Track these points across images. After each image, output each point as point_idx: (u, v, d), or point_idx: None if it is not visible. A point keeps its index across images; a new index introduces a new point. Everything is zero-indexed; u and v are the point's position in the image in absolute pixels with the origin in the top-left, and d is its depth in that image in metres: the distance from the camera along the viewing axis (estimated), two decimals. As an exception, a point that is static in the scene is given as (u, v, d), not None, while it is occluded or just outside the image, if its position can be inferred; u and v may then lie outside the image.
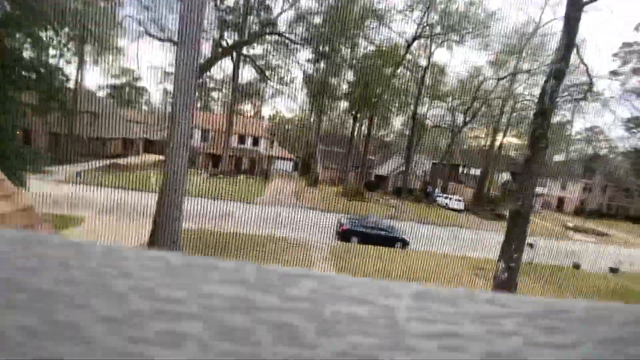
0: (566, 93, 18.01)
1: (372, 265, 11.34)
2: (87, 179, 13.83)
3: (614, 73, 21.49)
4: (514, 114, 24.84)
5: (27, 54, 8.93)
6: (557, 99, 9.58)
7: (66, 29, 9.44)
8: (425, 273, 11.39)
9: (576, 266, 14.29)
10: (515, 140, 26.62)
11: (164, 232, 7.26)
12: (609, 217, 27.71)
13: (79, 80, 15.79)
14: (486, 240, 15.54)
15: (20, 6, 7.89)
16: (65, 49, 10.56)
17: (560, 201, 29.45)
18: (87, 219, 9.62)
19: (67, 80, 12.41)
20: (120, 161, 18.18)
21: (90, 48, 13.59)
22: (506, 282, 7.47)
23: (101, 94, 20.70)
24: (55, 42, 9.96)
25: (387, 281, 0.32)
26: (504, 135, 25.60)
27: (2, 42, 7.88)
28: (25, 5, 7.90)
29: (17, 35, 8.14)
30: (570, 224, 23.93)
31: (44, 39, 9.15)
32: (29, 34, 8.28)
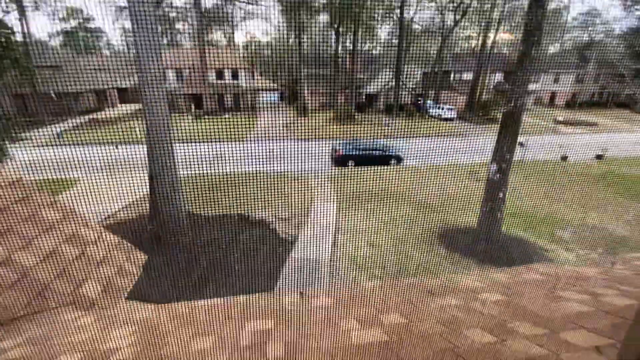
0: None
1: (371, 185, 11.74)
2: (69, 139, 13.34)
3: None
4: (507, 6, 22.86)
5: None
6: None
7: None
8: (421, 185, 11.88)
9: (564, 158, 14.86)
10: (507, 36, 25.06)
11: (162, 182, 7.29)
12: (600, 107, 27.77)
13: (25, 31, 14.02)
14: (478, 145, 15.83)
15: None
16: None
17: (553, 95, 29.13)
18: (80, 180, 9.58)
19: (13, 32, 10.98)
20: (98, 115, 17.31)
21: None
22: (498, 182, 7.85)
23: (54, 42, 18.58)
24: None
25: None
26: (496, 32, 23.99)
27: None
28: None
29: None
30: (561, 118, 24.09)
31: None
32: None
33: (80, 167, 10.31)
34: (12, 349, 1.49)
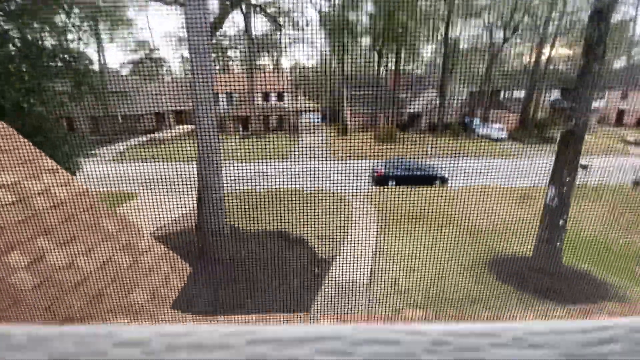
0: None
1: (412, 205, 11.32)
2: (131, 156, 14.74)
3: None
4: (564, 20, 21.51)
5: (48, 43, 9.12)
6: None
7: (76, 10, 9.40)
8: (466, 208, 11.20)
9: (637, 183, 13.16)
10: (565, 51, 23.43)
11: (208, 198, 7.70)
12: (680, 125, 24.50)
13: (101, 62, 16.08)
14: (533, 167, 14.65)
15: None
16: (81, 31, 10.64)
17: (620, 114, 26.36)
18: (138, 194, 10.45)
19: (91, 63, 12.66)
20: (156, 135, 18.99)
21: (103, 26, 13.55)
22: (557, 209, 7.13)
23: (124, 71, 21.05)
24: (70, 25, 10.01)
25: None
26: (552, 47, 22.56)
27: (22, 34, 8.08)
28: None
29: (35, 25, 8.27)
30: (631, 138, 21.58)
31: (59, 23, 9.22)
32: (44, 22, 8.37)
33: (138, 182, 11.29)
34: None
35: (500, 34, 21.20)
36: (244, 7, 17.06)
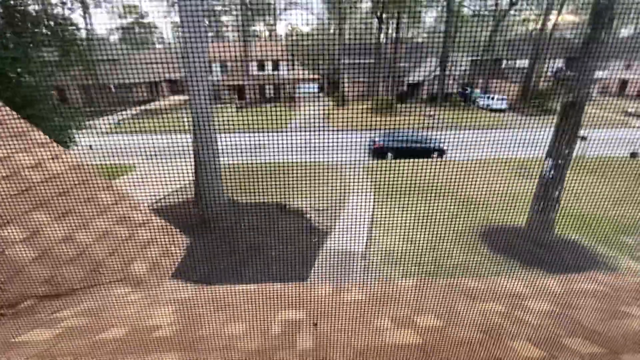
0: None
1: (409, 178, 11.38)
2: (126, 128, 14.50)
3: None
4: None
5: (31, 8, 8.63)
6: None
7: (57, -30, 8.82)
8: (463, 180, 11.26)
9: (633, 155, 13.21)
10: (572, 18, 22.53)
11: (205, 169, 7.67)
12: (683, 95, 24.15)
13: (88, 28, 15.34)
14: (532, 139, 14.58)
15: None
16: (65, -6, 10.05)
17: (623, 84, 25.86)
18: (136, 166, 10.40)
19: (78, 29, 12.07)
20: (150, 106, 18.57)
21: (88, -12, 12.78)
22: (553, 181, 7.19)
23: (113, 38, 20.17)
24: (52, -13, 9.44)
25: None
26: (559, 13, 21.66)
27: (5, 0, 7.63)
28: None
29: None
30: (632, 109, 21.35)
31: (41, -14, 8.69)
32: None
33: (134, 154, 11.18)
34: (69, 319, 1.65)
35: (507, -2, 20.26)
36: (236, -33, 16.05)
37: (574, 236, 7.77)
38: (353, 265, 6.74)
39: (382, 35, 23.33)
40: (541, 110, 20.25)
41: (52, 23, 8.92)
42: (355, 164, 12.45)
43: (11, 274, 1.84)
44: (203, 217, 8.21)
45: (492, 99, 21.55)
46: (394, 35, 23.16)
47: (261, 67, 23.65)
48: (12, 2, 7.96)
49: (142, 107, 18.28)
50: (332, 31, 22.75)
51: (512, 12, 21.34)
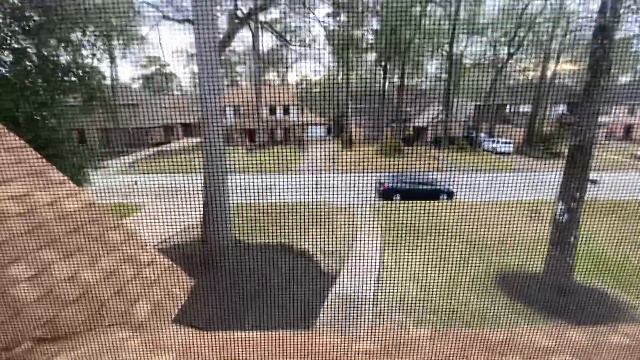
0: (630, 2, 15.09)
1: (418, 220, 11.20)
2: (139, 169, 14.94)
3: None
4: (568, 37, 21.65)
5: (63, 59, 9.42)
6: (621, 11, 8.12)
7: (91, 28, 9.73)
8: (475, 222, 11.03)
9: (650, 199, 12.88)
10: (570, 67, 23.49)
11: (213, 210, 7.72)
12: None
13: (114, 76, 16.56)
14: (541, 182, 14.46)
15: (47, 13, 8.22)
16: (95, 48, 11.00)
17: (629, 129, 26.10)
18: (145, 206, 10.54)
19: (104, 77, 13.04)
20: (164, 148, 19.28)
21: (116, 42, 14.03)
22: (567, 225, 6.98)
23: (135, 85, 21.63)
24: (85, 42, 10.37)
25: None
26: (557, 63, 22.65)
27: (39, 51, 8.38)
28: (52, 12, 8.21)
29: (51, 42, 8.57)
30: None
31: (75, 40, 9.55)
32: (60, 39, 8.68)
33: (145, 194, 11.38)
34: (66, 364, 1.58)
35: (505, 49, 21.39)
36: (252, 24, 17.54)
37: (595, 283, 7.35)
38: (362, 312, 6.41)
39: (387, 83, 24.52)
40: (548, 153, 20.34)
41: (80, 72, 9.65)
42: (363, 205, 12.39)
43: (11, 314, 1.80)
44: (209, 258, 8.09)
45: (498, 142, 21.84)
46: (399, 82, 24.31)
47: (272, 111, 24.76)
48: (45, 53, 8.72)
49: (157, 149, 19.00)
50: (340, 79, 24.05)
51: (511, 61, 22.42)
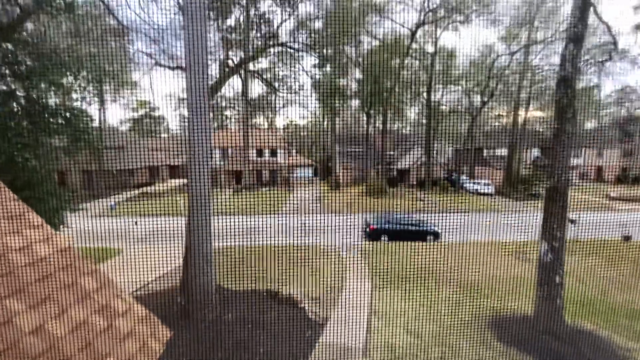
0: (588, 56, 16.90)
1: (407, 261, 11.07)
2: (120, 211, 14.46)
3: (638, 27, 19.95)
4: (534, 87, 23.67)
5: (52, 101, 9.48)
6: (580, 64, 9.04)
7: (84, 73, 9.96)
8: (463, 264, 10.98)
9: (626, 238, 13.28)
10: (539, 114, 25.34)
11: (196, 254, 7.42)
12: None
13: (102, 119, 16.66)
14: (523, 222, 14.79)
15: (40, 58, 8.43)
16: (86, 92, 11.17)
17: (600, 170, 27.64)
18: (123, 250, 10.04)
19: (92, 120, 13.10)
20: (148, 189, 18.93)
21: (108, 87, 14.34)
22: (552, 264, 7.04)
23: (123, 128, 21.74)
24: (76, 86, 10.55)
25: None
26: (527, 110, 24.44)
27: (28, 93, 8.44)
28: (46, 57, 8.43)
29: (42, 85, 8.68)
30: (614, 194, 22.35)
31: (65, 84, 9.70)
32: (51, 83, 8.81)
33: (125, 238, 10.92)
34: None
35: (478, 98, 23.02)
36: (242, 73, 18.43)
37: (587, 325, 7.24)
38: (352, 363, 6.02)
39: (370, 127, 25.60)
40: (528, 194, 21.08)
41: (68, 114, 9.64)
42: (350, 247, 12.21)
43: (-37, 374, 1.61)
44: (188, 307, 7.59)
45: (479, 184, 22.59)
46: (381, 127, 25.46)
47: (260, 153, 25.12)
48: (34, 96, 8.76)
49: (140, 190, 18.62)
50: (325, 124, 25.00)
51: (485, 109, 24.03)
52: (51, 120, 9.10)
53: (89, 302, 2.62)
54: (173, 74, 11.51)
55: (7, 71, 8.49)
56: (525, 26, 20.39)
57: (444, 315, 7.80)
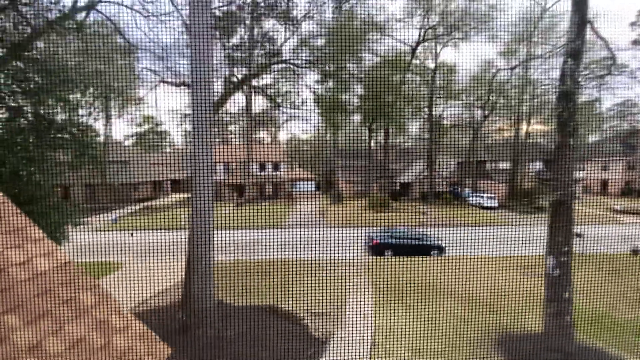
0: (587, 71, 17.06)
1: (411, 277, 10.89)
2: (123, 225, 14.46)
3: (636, 42, 20.24)
4: (535, 101, 23.83)
5: (59, 117, 9.64)
6: (579, 79, 9.13)
7: (91, 89, 10.17)
8: (469, 279, 10.77)
9: (635, 252, 13.04)
10: (541, 127, 25.40)
11: (197, 268, 7.34)
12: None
13: (107, 134, 16.90)
14: (529, 236, 14.56)
15: (49, 75, 8.63)
16: (92, 108, 11.37)
17: (604, 183, 27.44)
18: (124, 264, 9.97)
19: (97, 135, 13.28)
20: (151, 203, 18.97)
21: (114, 103, 14.61)
22: (560, 280, 6.88)
23: (128, 142, 22.00)
24: (83, 102, 10.75)
25: None
26: (528, 124, 24.52)
27: (36, 109, 8.59)
28: (54, 74, 8.62)
29: (50, 102, 8.85)
30: (619, 207, 22.10)
31: (73, 101, 9.88)
32: (59, 99, 8.98)
33: (126, 252, 10.86)
34: None
35: (480, 112, 23.17)
36: (245, 89, 18.74)
37: (598, 343, 7.02)
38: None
39: (372, 142, 25.74)
40: (532, 207, 20.89)
41: (74, 129, 9.78)
42: (353, 262, 12.05)
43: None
44: (188, 323, 7.46)
45: (482, 197, 22.45)
46: (383, 141, 25.58)
47: (262, 167, 25.25)
48: (41, 112, 8.92)
49: (143, 204, 18.67)
50: (328, 138, 25.17)
51: (486, 122, 24.15)
52: (57, 135, 9.24)
53: (87, 318, 2.58)
54: (178, 90, 11.70)
55: (17, 88, 8.67)
56: (524, 42, 20.71)
57: (450, 332, 7.60)
